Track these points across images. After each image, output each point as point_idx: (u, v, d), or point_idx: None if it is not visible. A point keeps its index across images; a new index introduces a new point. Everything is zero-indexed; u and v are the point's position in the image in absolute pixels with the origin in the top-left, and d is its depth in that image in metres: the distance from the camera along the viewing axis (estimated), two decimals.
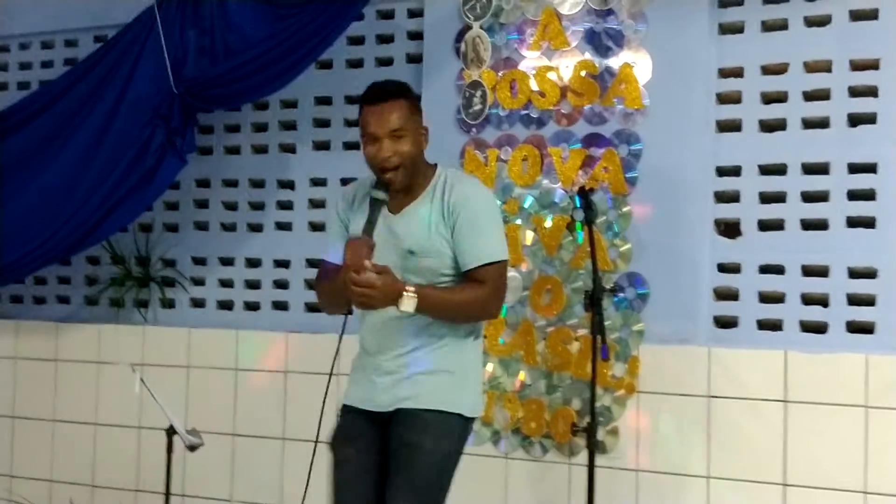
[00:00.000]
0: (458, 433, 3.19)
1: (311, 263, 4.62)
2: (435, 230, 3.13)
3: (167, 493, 4.05)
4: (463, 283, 3.13)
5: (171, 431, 3.95)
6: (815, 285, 3.84)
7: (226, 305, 4.92)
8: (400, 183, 3.13)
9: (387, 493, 3.11)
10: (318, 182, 4.72)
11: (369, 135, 3.12)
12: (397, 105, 3.13)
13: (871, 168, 3.79)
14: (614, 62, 4.12)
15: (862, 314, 3.77)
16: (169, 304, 5.01)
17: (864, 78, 3.81)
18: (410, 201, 3.18)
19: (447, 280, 3.15)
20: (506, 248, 3.20)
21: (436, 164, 3.25)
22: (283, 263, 4.80)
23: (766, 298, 3.92)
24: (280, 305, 4.78)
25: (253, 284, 4.85)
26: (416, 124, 3.17)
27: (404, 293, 3.00)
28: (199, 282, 4.98)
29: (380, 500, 3.13)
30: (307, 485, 3.30)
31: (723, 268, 3.99)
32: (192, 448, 3.94)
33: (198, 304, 4.98)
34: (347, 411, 3.27)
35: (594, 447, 3.71)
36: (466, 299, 3.11)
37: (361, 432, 3.21)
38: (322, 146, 4.74)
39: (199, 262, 4.99)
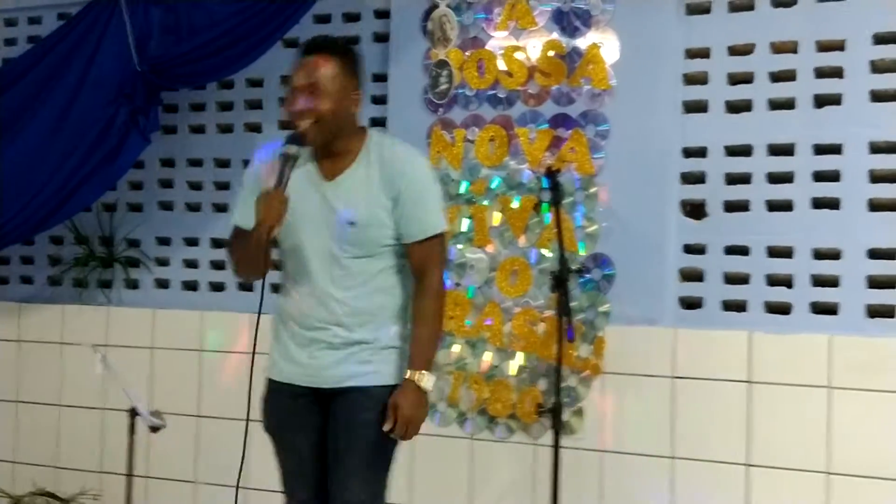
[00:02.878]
0: None
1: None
2: (375, 200, 3.01)
3: (129, 475, 4.02)
4: (416, 299, 3.05)
5: (132, 413, 3.92)
6: (779, 266, 3.85)
7: (191, 286, 4.88)
8: (314, 140, 3.00)
9: (337, 473, 3.03)
10: None
11: (291, 88, 3.02)
12: (324, 60, 2.99)
13: (836, 149, 3.79)
14: (582, 42, 4.11)
15: (826, 295, 3.78)
16: (133, 284, 4.97)
17: (830, 59, 3.81)
18: (344, 168, 3.04)
19: (384, 251, 3.05)
20: (444, 219, 3.15)
21: (365, 128, 3.15)
22: None
23: (731, 279, 3.93)
24: (245, 286, 4.74)
25: (218, 265, 4.81)
26: (344, 84, 3.01)
27: (419, 384, 2.98)
28: (163, 262, 4.94)
29: (325, 480, 3.06)
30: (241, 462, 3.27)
31: (688, 249, 3.99)
32: (154, 429, 3.90)
33: (162, 284, 4.93)
34: (277, 389, 3.16)
35: (559, 428, 3.71)
36: (434, 308, 3.06)
37: (304, 414, 3.10)
38: (288, 125, 4.63)
39: (164, 242, 4.95)
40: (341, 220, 3.01)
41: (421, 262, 3.06)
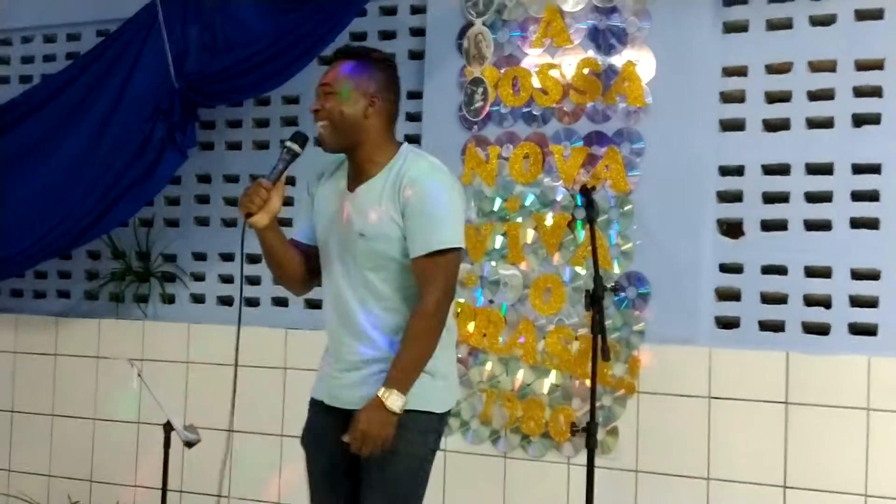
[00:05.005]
0: (431, 432, 3.01)
1: None
2: (385, 213, 2.95)
3: (164, 489, 4.03)
4: (410, 317, 2.93)
5: (168, 427, 3.94)
6: (817, 286, 3.82)
7: (226, 301, 4.90)
8: (328, 142, 3.03)
9: (361, 501, 2.98)
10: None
11: None
12: (340, 63, 3.04)
13: (875, 169, 3.76)
14: (617, 60, 4.10)
15: (864, 316, 3.74)
16: (169, 299, 5.00)
17: (868, 78, 3.78)
18: (366, 180, 3.00)
19: (396, 266, 2.96)
20: (460, 235, 2.97)
21: (401, 144, 3.07)
22: None
23: (768, 299, 3.89)
24: (280, 302, 4.76)
25: (253, 281, 4.83)
26: (356, 85, 2.99)
27: (385, 402, 2.85)
28: (199, 277, 4.96)
29: (354, 501, 3.01)
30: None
31: (725, 268, 3.97)
32: (189, 444, 3.92)
33: (198, 299, 4.96)
34: (313, 406, 3.15)
35: (594, 447, 3.68)
36: (421, 329, 2.90)
37: (327, 431, 3.06)
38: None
39: (200, 257, 4.98)
40: (354, 231, 2.99)
41: (420, 279, 2.93)
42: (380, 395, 2.87)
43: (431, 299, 2.91)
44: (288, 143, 3.07)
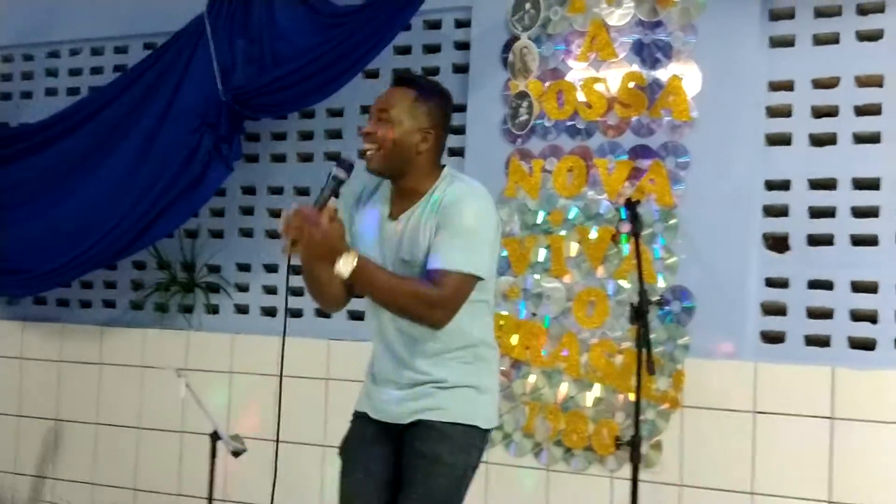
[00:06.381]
0: (476, 446, 3.02)
1: None
2: (425, 237, 2.94)
3: (210, 499, 4.06)
4: (423, 279, 2.91)
5: (214, 437, 3.97)
6: (863, 301, 3.80)
7: (269, 312, 4.94)
8: (375, 167, 2.99)
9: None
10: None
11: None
12: (400, 91, 3.01)
13: None
14: (663, 74, 4.11)
15: None
16: (213, 309, 5.04)
17: None
18: (409, 207, 2.99)
19: None
20: (482, 263, 2.92)
21: (442, 167, 3.05)
22: None
23: (814, 314, 3.88)
24: (323, 312, 4.79)
25: (297, 291, 4.84)
26: (414, 116, 2.97)
27: (344, 254, 2.81)
28: (243, 288, 5.00)
29: None
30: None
31: (771, 282, 3.96)
32: (236, 454, 3.96)
33: (242, 310, 5.00)
34: (357, 417, 3.16)
35: (638, 461, 3.68)
36: (410, 291, 2.89)
37: (374, 440, 3.08)
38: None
39: (244, 268, 5.02)
40: (397, 258, 2.99)
41: (433, 281, 2.91)
42: (352, 251, 2.84)
43: (439, 292, 2.87)
44: (334, 171, 2.95)
